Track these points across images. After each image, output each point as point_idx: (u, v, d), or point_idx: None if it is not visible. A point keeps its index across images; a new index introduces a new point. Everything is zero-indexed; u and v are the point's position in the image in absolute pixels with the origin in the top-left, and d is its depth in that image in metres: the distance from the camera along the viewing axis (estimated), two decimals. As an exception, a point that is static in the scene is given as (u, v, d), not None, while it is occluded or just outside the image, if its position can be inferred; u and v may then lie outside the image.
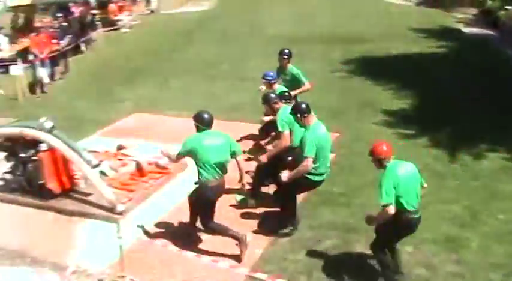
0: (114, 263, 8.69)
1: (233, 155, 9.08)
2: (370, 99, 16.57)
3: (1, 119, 13.07)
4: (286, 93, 11.54)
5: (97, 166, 10.41)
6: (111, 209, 9.98)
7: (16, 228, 10.14)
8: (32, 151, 10.69)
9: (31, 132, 10.62)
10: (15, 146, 10.91)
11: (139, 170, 11.55)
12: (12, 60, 20.09)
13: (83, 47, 25.90)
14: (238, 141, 12.92)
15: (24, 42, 22.62)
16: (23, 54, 21.04)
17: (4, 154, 11.24)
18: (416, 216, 7.74)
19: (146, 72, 20.43)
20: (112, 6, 31.59)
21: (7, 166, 11.25)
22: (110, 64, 23.58)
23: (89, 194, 10.68)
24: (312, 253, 9.06)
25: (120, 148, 12.64)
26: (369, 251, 8.38)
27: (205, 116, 9.26)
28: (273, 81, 12.26)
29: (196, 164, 8.78)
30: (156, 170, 11.55)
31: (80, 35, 25.42)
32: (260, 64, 20.80)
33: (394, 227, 7.73)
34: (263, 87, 12.85)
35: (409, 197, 7.58)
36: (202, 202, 9.02)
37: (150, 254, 9.01)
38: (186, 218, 9.87)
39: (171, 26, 30.99)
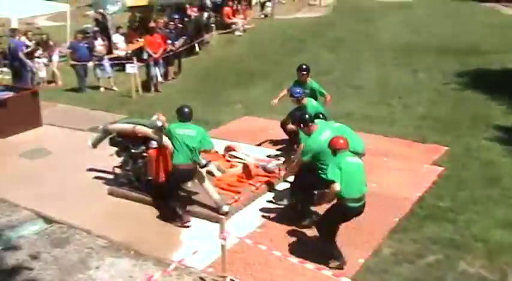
0: (216, 262, 8.84)
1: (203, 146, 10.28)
2: (483, 114, 16.15)
3: (114, 115, 13.52)
4: (321, 115, 11.52)
5: (205, 166, 10.64)
6: (217, 209, 10.21)
7: (122, 221, 10.51)
8: (143, 148, 11.09)
9: (143, 130, 10.97)
10: (127, 141, 11.31)
11: (247, 172, 11.71)
12: (128, 59, 20.81)
13: (197, 49, 26.47)
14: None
15: (139, 42, 23.31)
16: (138, 53, 21.68)
17: (115, 148, 11.69)
18: (354, 205, 8.51)
19: (258, 76, 20.66)
20: (227, 9, 32.12)
21: (118, 160, 11.71)
22: (223, 66, 23.98)
23: (195, 193, 10.96)
24: (414, 267, 8.95)
25: (228, 149, 12.83)
26: (472, 269, 8.20)
27: (185, 110, 10.44)
28: (301, 98, 12.27)
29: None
30: (263, 173, 11.71)
31: (195, 37, 25.99)
32: (372, 73, 20.78)
33: (333, 210, 8.71)
34: (275, 101, 13.74)
35: (351, 187, 8.38)
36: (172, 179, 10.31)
37: (253, 256, 9.11)
38: (291, 222, 9.97)
39: (284, 31, 31.17)
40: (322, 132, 9.84)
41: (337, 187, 8.29)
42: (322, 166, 9.41)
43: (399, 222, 9.99)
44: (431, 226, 9.90)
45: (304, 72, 13.31)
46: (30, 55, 22.08)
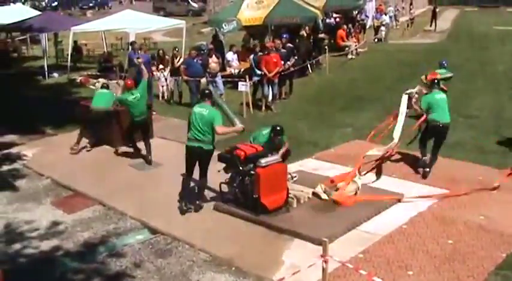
0: (316, 284, 8.84)
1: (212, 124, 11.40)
2: None
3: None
4: None
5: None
6: (318, 232, 10.25)
7: (226, 237, 10.67)
8: (251, 165, 11.21)
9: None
10: (236, 158, 11.49)
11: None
12: (240, 77, 21.12)
13: (309, 70, 26.62)
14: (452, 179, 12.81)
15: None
16: (251, 72, 21.97)
17: (224, 165, 11.90)
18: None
19: (369, 100, 20.61)
20: (341, 32, 32.22)
21: (225, 177, 11.92)
22: (334, 89, 24.04)
23: (298, 214, 11.05)
24: None
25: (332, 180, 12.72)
26: None
27: (205, 91, 12.37)
28: None
29: None
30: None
31: (307, 58, 26.16)
32: (486, 102, 20.34)
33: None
34: None
35: None
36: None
37: (353, 281, 9.08)
38: (396, 249, 9.89)
39: (397, 56, 31.01)
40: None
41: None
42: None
43: (506, 258, 9.67)
44: None
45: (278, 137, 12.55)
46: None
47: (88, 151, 16.34)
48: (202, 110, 11.60)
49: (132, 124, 15.18)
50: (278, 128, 12.26)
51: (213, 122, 11.36)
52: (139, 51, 22.15)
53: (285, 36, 24.39)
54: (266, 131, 12.50)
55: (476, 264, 9.47)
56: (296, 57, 23.30)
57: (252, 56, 21.74)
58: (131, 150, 15.70)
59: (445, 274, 9.11)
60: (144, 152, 15.17)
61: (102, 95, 16.52)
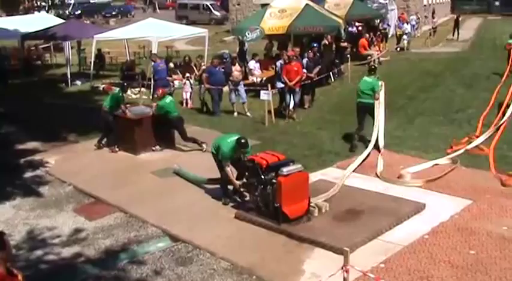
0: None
1: None
2: None
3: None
4: None
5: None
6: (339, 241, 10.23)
7: (247, 245, 10.69)
8: (272, 174, 11.23)
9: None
10: (257, 167, 11.51)
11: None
12: (263, 86, 21.15)
13: (331, 79, 26.61)
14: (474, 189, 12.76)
15: (275, 69, 23.63)
16: (273, 80, 22.00)
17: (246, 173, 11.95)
18: None
19: (390, 109, 20.47)
20: (363, 41, 32.20)
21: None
22: (356, 98, 23.91)
23: (320, 224, 11.04)
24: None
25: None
26: None
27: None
28: None
29: None
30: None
31: (330, 67, 26.16)
32: (510, 111, 20.08)
33: None
34: None
35: None
36: None
37: (374, 291, 9.05)
38: (418, 259, 9.84)
39: (420, 65, 30.91)
40: None
41: None
42: None
43: (531, 270, 9.61)
44: None
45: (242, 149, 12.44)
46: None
47: (115, 152, 16.75)
48: None
49: (172, 120, 16.49)
50: (243, 140, 12.18)
51: None
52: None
53: (315, 45, 24.43)
54: (231, 139, 12.43)
55: (498, 275, 9.39)
56: (320, 66, 23.33)
57: (279, 62, 21.74)
58: (152, 157, 15.88)
59: (468, 285, 9.06)
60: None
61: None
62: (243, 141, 12.08)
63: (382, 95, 16.79)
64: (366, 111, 16.79)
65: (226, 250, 10.53)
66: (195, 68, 23.93)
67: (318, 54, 23.69)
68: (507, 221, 11.34)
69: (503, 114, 18.65)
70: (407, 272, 9.53)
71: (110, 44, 35.09)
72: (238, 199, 12.44)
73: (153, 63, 23.03)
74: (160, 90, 16.52)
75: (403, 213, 11.67)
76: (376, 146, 15.90)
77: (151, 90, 23.23)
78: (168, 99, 16.86)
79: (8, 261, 5.13)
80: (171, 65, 24.04)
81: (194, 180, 13.93)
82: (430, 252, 10.17)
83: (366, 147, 15.91)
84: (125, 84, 18.25)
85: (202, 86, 21.38)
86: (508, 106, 19.24)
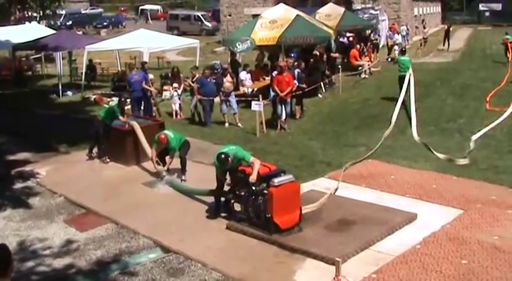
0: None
1: None
2: None
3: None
4: None
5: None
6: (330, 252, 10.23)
7: (238, 256, 10.67)
8: (264, 185, 11.24)
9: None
10: (249, 177, 11.51)
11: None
12: (254, 96, 21.18)
13: (322, 90, 26.67)
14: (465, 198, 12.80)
15: (266, 80, 23.69)
16: (265, 91, 22.04)
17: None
18: None
19: (382, 119, 20.58)
20: (354, 51, 32.31)
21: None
22: (347, 108, 24.09)
23: (311, 235, 11.04)
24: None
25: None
26: None
27: None
28: None
29: None
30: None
31: (320, 78, 26.22)
32: (499, 121, 20.20)
33: None
34: None
35: None
36: None
37: (365, 301, 9.04)
38: (409, 269, 9.84)
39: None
40: None
41: None
42: None
43: (521, 279, 9.63)
44: None
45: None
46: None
47: (106, 163, 16.71)
48: None
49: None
50: (222, 156, 11.93)
51: None
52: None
53: (293, 55, 24.49)
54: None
55: (490, 285, 9.42)
56: (310, 77, 23.42)
57: (274, 73, 21.79)
58: (143, 168, 15.89)
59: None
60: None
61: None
62: (222, 157, 11.89)
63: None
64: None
65: (217, 261, 10.51)
66: (187, 79, 23.95)
67: (303, 65, 23.72)
68: (498, 230, 11.37)
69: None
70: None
71: (101, 55, 35.15)
72: (230, 210, 12.40)
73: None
74: (163, 136, 15.67)
75: (395, 223, 11.68)
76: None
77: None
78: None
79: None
80: (151, 76, 23.99)
81: (190, 191, 13.89)
82: (421, 262, 10.17)
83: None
84: (123, 99, 18.03)
85: (194, 97, 21.39)
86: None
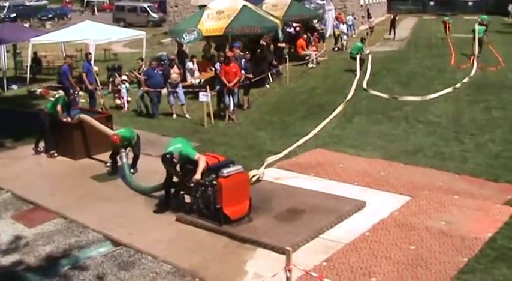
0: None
1: None
2: None
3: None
4: None
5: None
6: (281, 241, 10.25)
7: (189, 248, 10.63)
8: (213, 176, 11.22)
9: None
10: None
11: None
12: (201, 87, 21.09)
13: (270, 80, 26.70)
14: (413, 185, 12.97)
15: (213, 71, 23.60)
16: (212, 82, 21.96)
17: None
18: None
19: (329, 109, 20.67)
20: (301, 41, 32.40)
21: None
22: (294, 98, 24.15)
23: (262, 224, 11.05)
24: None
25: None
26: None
27: None
28: None
29: None
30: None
31: (268, 68, 26.24)
32: (445, 109, 20.58)
33: None
34: None
35: None
36: None
37: (317, 290, 9.07)
38: (359, 256, 9.92)
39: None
40: None
41: None
42: None
43: (468, 262, 9.78)
44: (501, 268, 9.66)
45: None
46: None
47: (53, 157, 16.40)
48: None
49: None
50: (167, 156, 11.81)
51: None
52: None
53: (237, 45, 24.45)
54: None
55: (438, 269, 9.55)
56: (257, 67, 23.43)
57: (217, 65, 21.77)
58: (92, 162, 15.70)
59: (408, 279, 9.18)
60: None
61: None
62: (167, 157, 11.73)
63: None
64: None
65: (168, 253, 10.45)
66: (134, 71, 23.75)
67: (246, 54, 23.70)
68: (445, 215, 11.55)
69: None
70: (349, 270, 9.60)
71: (47, 48, 34.58)
72: (180, 202, 12.33)
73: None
74: (115, 136, 15.33)
75: (344, 211, 11.77)
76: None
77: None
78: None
79: None
80: (95, 68, 23.73)
81: (142, 190, 13.71)
82: (371, 249, 10.27)
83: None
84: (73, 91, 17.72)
85: (141, 88, 21.23)
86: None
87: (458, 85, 24.52)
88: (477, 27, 34.56)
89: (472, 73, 27.53)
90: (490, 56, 33.08)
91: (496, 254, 10.09)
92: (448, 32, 43.99)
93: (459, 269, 9.59)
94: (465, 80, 26.09)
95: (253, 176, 13.22)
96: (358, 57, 28.51)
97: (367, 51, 29.92)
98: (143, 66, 23.57)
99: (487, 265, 9.73)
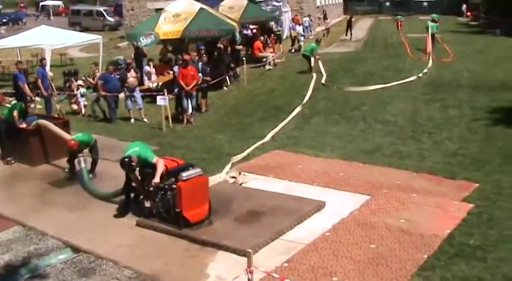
0: (242, 296, 8.82)
1: None
2: (514, 150, 16.07)
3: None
4: None
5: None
6: (242, 243, 10.23)
7: (150, 252, 10.56)
8: (172, 179, 11.17)
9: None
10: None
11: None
12: (159, 91, 20.99)
13: (227, 82, 26.70)
14: (372, 184, 13.07)
15: (170, 74, 23.51)
16: (170, 85, 21.87)
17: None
18: None
19: (287, 110, 20.73)
20: (258, 43, 32.47)
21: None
22: (252, 100, 24.18)
23: (223, 227, 11.03)
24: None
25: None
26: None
27: None
28: None
29: None
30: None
31: (225, 70, 26.24)
32: (402, 108, 20.79)
33: None
34: None
35: None
36: None
37: (278, 291, 9.08)
38: (320, 256, 9.95)
39: (314, 65, 31.38)
40: None
41: None
42: None
43: (428, 259, 9.88)
44: (460, 264, 9.76)
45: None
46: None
47: (10, 164, 16.19)
48: None
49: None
50: (126, 160, 11.70)
51: None
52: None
53: (202, 47, 24.44)
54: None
55: (399, 267, 9.62)
56: (215, 69, 23.41)
57: (175, 68, 21.70)
58: (50, 168, 15.50)
59: (370, 278, 9.23)
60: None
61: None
62: (125, 161, 11.62)
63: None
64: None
65: (129, 258, 10.36)
66: (88, 78, 23.57)
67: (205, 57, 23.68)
68: (404, 213, 11.66)
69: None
70: (311, 270, 9.62)
71: (1, 53, 34.16)
72: (140, 206, 12.24)
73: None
74: (72, 142, 15.09)
75: (304, 212, 11.80)
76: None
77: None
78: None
79: None
80: (50, 73, 23.50)
81: (103, 196, 13.54)
82: (332, 249, 10.31)
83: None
84: (29, 97, 17.44)
85: (96, 93, 21.08)
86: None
87: (420, 74, 26.37)
88: (430, 24, 37.31)
89: (430, 65, 29.29)
90: (441, 51, 34.80)
91: (455, 251, 10.20)
92: (400, 30, 47.44)
93: (419, 266, 9.68)
94: (425, 70, 27.70)
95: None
96: (312, 58, 29.52)
97: (318, 57, 30.27)
98: (96, 71, 23.39)
99: (446, 262, 9.83)
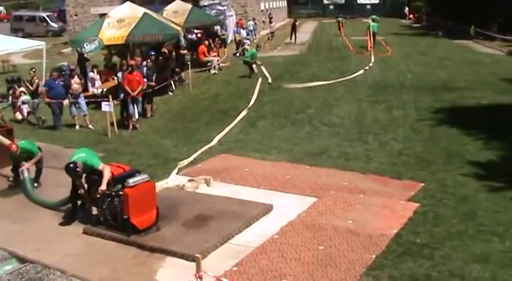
0: (192, 301, 8.78)
1: None
2: (457, 150, 16.33)
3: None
4: None
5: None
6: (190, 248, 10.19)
7: (98, 260, 10.44)
8: (119, 186, 11.07)
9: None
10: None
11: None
12: (104, 97, 20.78)
13: (172, 87, 26.59)
14: (319, 186, 13.15)
15: (116, 80, 23.32)
16: (115, 91, 21.69)
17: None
18: None
19: (233, 114, 20.73)
20: (202, 47, 32.44)
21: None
22: (198, 104, 24.13)
23: (171, 232, 10.96)
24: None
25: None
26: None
27: None
28: None
29: None
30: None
31: (170, 75, 26.13)
32: (347, 110, 21.02)
33: None
34: None
35: None
36: None
37: (228, 295, 9.08)
38: (269, 259, 9.96)
39: (259, 69, 31.48)
40: None
41: None
42: None
43: (376, 259, 9.99)
44: (408, 262, 9.88)
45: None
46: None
47: None
48: None
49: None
50: (70, 165, 11.56)
51: None
52: None
53: (153, 53, 24.33)
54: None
55: (348, 267, 9.70)
56: (160, 75, 23.31)
57: (119, 74, 21.52)
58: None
59: (319, 279, 9.29)
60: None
61: None
62: (71, 167, 11.45)
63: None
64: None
65: (76, 267, 10.20)
66: (27, 83, 23.25)
67: (149, 63, 23.59)
68: (352, 214, 11.77)
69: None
70: (260, 273, 9.63)
71: None
72: (87, 214, 12.09)
73: None
74: (14, 145, 14.83)
75: (252, 215, 11.81)
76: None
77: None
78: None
79: None
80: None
81: (43, 203, 13.32)
82: (281, 251, 10.34)
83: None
84: None
85: (35, 100, 20.77)
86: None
87: (366, 68, 28.30)
88: (371, 23, 41.09)
89: (372, 61, 30.92)
90: (380, 47, 37.15)
91: (403, 250, 10.33)
92: (342, 31, 49.61)
93: (368, 266, 9.77)
94: (370, 65, 29.38)
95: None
96: (253, 63, 30.05)
97: (259, 63, 30.59)
98: (35, 78, 23.07)
99: (394, 261, 9.94)
